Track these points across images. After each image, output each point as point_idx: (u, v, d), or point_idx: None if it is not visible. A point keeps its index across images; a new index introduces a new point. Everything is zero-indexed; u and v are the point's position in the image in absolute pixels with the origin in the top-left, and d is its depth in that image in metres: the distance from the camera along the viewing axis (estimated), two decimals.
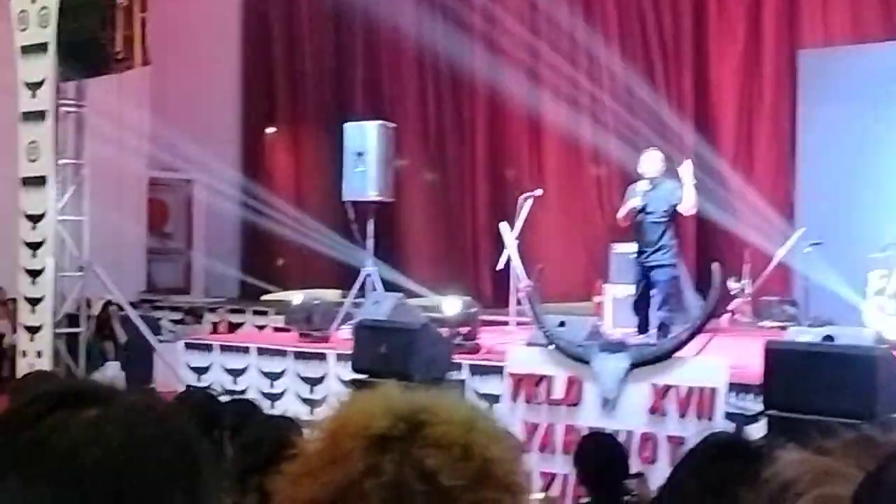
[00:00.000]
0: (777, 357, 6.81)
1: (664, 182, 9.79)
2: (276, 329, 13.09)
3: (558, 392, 7.64)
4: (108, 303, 12.71)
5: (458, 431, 1.32)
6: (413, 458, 1.29)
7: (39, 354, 11.34)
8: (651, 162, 9.88)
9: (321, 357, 9.94)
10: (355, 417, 1.34)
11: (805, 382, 6.52)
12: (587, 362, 7.51)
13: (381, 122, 12.41)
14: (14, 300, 12.81)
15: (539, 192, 11.84)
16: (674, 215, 9.77)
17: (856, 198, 12.44)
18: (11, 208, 12.29)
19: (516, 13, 15.83)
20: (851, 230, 12.17)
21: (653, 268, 9.75)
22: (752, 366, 7.38)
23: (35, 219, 11.94)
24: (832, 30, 13.46)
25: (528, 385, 7.80)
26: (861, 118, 12.74)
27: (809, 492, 1.08)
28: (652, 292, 9.69)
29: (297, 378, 10.03)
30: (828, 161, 12.75)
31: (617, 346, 7.61)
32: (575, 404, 7.57)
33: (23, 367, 10.87)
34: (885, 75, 12.33)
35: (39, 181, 11.98)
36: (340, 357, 9.61)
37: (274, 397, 10.11)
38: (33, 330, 11.68)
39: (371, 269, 11.82)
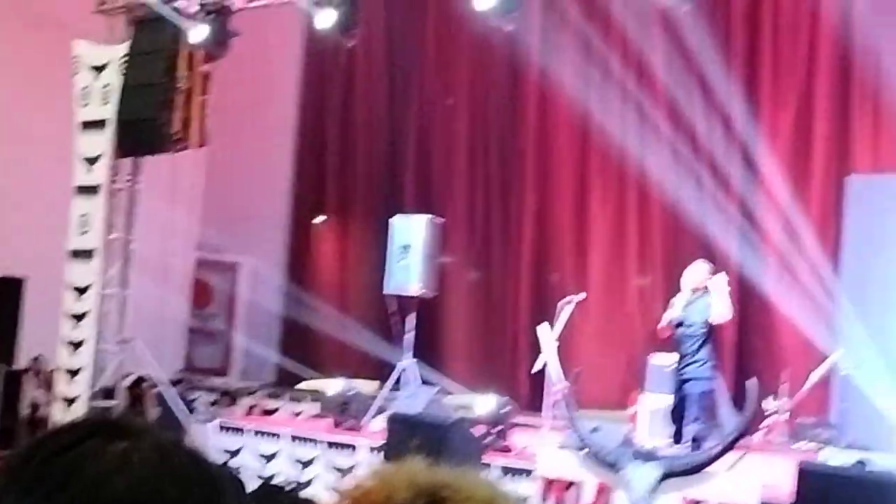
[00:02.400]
0: (809, 478, 6.77)
1: (705, 295, 9.83)
2: (311, 416, 13.10)
3: (588, 498, 7.62)
4: (141, 379, 12.79)
5: None
6: None
7: None
8: (693, 274, 9.93)
9: (353, 447, 9.95)
10: (377, 489, 1.38)
11: None
12: (619, 469, 7.49)
13: (428, 216, 12.54)
14: (52, 371, 12.92)
15: (581, 296, 11.89)
16: (711, 329, 9.78)
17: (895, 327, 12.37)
18: (58, 280, 12.47)
19: (568, 120, 16.02)
20: (890, 359, 12.08)
21: (688, 380, 9.74)
22: (783, 485, 7.32)
23: (81, 290, 12.12)
24: (882, 156, 13.49)
25: (559, 489, 7.78)
26: None
27: None
28: (687, 404, 9.67)
29: (327, 466, 10.03)
30: (872, 286, 12.70)
31: (649, 455, 7.58)
32: None
33: None
34: None
35: (88, 254, 12.19)
36: (372, 448, 9.61)
37: (303, 485, 10.10)
38: (70, 401, 11.78)
39: (408, 362, 11.85)
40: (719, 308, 9.68)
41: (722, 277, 9.90)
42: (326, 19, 11.58)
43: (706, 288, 9.98)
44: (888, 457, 8.40)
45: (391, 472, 1.41)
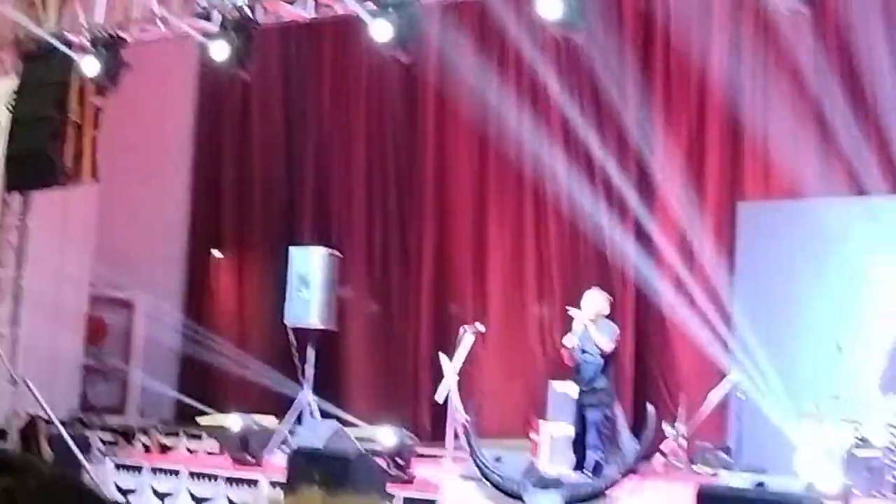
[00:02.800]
0: (708, 501, 6.83)
1: (602, 323, 9.95)
2: (210, 453, 12.90)
3: None
4: (35, 418, 12.48)
5: None
6: None
7: None
8: (590, 302, 10.05)
9: (254, 483, 9.81)
10: None
11: None
12: (522, 498, 7.49)
13: (327, 248, 12.48)
14: None
15: (481, 327, 11.94)
16: (608, 356, 9.89)
17: (789, 349, 12.63)
18: None
19: (466, 150, 16.11)
20: (786, 381, 12.33)
21: (588, 407, 9.83)
22: None
23: None
24: (772, 183, 13.78)
25: None
26: (796, 271, 13.00)
27: None
28: (587, 431, 9.74)
29: (227, 503, 9.87)
30: (764, 312, 12.95)
31: (551, 483, 7.59)
32: None
33: None
34: (821, 231, 12.62)
35: None
36: (273, 483, 9.49)
37: None
38: None
39: (309, 396, 11.75)
40: (598, 338, 9.87)
41: (593, 307, 10.04)
42: (221, 52, 11.48)
43: (604, 316, 10.11)
44: (786, 478, 8.53)
45: (289, 502, 1.39)
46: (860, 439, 11.17)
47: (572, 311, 10.28)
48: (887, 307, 12.22)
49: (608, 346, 9.87)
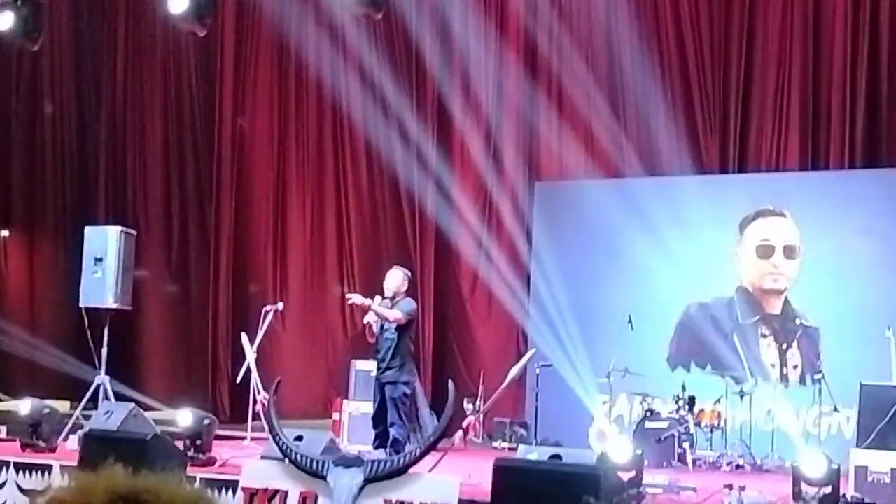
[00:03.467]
0: (505, 475, 6.98)
1: (401, 301, 10.03)
2: None
3: None
4: None
5: None
6: None
7: None
8: (390, 280, 10.13)
9: (46, 469, 9.50)
10: (73, 497, 1.33)
11: (532, 500, 6.70)
12: (323, 477, 7.49)
13: (121, 228, 12.17)
14: None
15: (280, 305, 11.91)
16: (403, 332, 9.96)
17: (587, 326, 13.02)
18: None
19: (266, 127, 15.95)
20: (581, 356, 12.72)
21: (387, 384, 9.92)
22: (483, 483, 7.54)
23: None
24: (565, 164, 14.14)
25: (262, 499, 7.69)
26: (592, 250, 13.41)
27: None
28: (388, 408, 9.82)
29: (17, 490, 9.54)
30: (559, 288, 13.30)
31: (352, 461, 7.61)
32: None
33: None
34: (611, 210, 13.03)
35: None
36: (65, 469, 9.22)
37: None
38: None
39: (104, 378, 11.45)
40: (390, 313, 9.99)
41: (391, 284, 10.14)
42: (6, 22, 11.03)
43: (404, 293, 10.19)
44: (580, 451, 8.79)
45: (88, 480, 1.36)
46: (649, 411, 11.63)
47: (354, 298, 10.35)
48: (677, 284, 12.74)
49: (397, 317, 9.92)
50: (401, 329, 9.94)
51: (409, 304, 10.06)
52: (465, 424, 11.91)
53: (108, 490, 1.31)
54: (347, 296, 10.57)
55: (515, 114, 14.37)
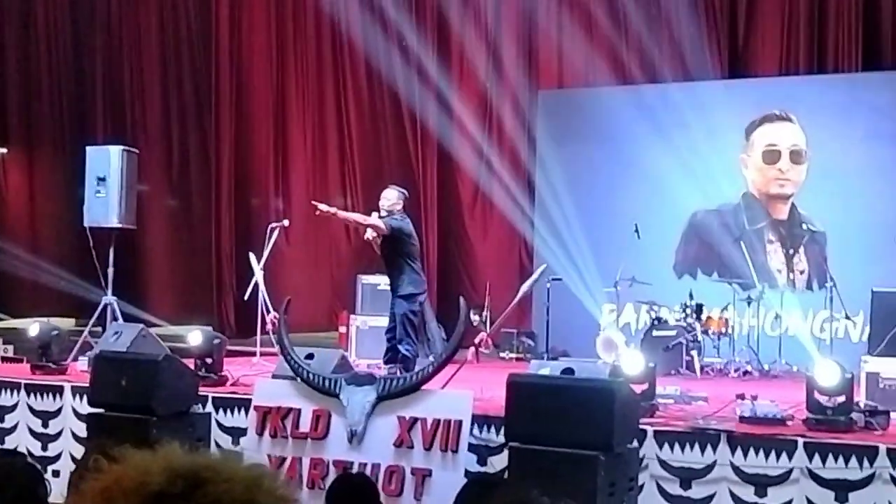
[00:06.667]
0: (518, 390, 6.97)
1: (397, 217, 9.87)
2: (6, 359, 12.45)
3: (305, 425, 7.60)
4: None
5: (240, 490, 1.28)
6: None
7: None
8: (387, 197, 9.99)
9: (57, 390, 9.51)
10: (130, 474, 1.29)
11: (545, 415, 6.70)
12: (335, 395, 7.51)
13: (123, 146, 12.05)
14: None
15: (286, 222, 11.84)
16: (403, 248, 9.80)
17: (590, 233, 12.99)
18: None
19: (263, 40, 15.77)
20: (589, 266, 12.70)
21: (393, 300, 9.87)
22: (496, 398, 7.55)
23: None
24: (567, 73, 14.01)
25: (275, 418, 7.72)
26: (596, 159, 13.32)
27: None
28: (397, 323, 9.77)
29: (29, 412, 9.57)
30: (565, 198, 13.24)
31: (364, 379, 7.63)
32: (321, 437, 7.54)
33: None
34: (615, 117, 12.93)
35: None
36: (76, 390, 9.23)
37: (5, 432, 9.62)
38: None
39: (111, 298, 11.42)
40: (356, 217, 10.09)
41: (386, 202, 9.98)
42: None
43: (401, 210, 10.00)
44: (590, 364, 8.81)
45: (143, 456, 1.31)
46: (657, 320, 11.64)
47: (320, 206, 10.18)
48: (683, 191, 12.66)
49: (374, 224, 9.73)
50: (393, 245, 9.78)
51: (395, 220, 9.82)
52: (476, 340, 11.89)
53: (166, 468, 1.26)
54: (312, 202, 10.41)
55: (516, 20, 14.19)
